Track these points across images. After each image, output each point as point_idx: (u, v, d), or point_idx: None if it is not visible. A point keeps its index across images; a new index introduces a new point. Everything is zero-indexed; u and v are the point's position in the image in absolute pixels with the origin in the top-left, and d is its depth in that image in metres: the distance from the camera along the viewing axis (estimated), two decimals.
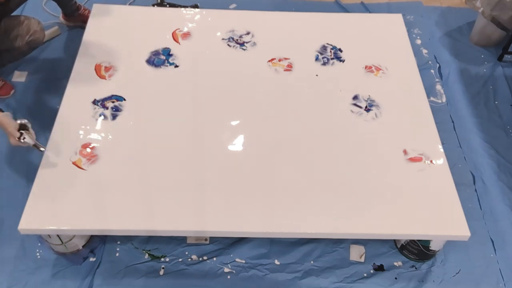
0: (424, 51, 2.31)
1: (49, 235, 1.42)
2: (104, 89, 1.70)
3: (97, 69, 1.76)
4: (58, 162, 1.49)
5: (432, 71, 2.23)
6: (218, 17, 2.02)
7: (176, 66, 1.80)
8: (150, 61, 1.81)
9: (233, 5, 2.46)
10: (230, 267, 1.58)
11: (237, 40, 1.91)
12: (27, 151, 1.82)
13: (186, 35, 1.92)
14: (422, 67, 2.20)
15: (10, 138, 1.43)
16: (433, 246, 1.54)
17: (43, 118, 1.90)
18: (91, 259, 1.57)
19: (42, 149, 1.47)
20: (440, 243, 1.54)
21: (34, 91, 2.03)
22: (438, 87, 2.17)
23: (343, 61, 1.87)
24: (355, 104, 1.72)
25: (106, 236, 1.62)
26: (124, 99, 1.68)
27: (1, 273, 1.53)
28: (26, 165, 1.77)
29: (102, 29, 1.91)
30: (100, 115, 1.62)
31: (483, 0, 2.19)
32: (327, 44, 1.93)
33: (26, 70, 2.10)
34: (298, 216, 1.43)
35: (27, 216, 1.37)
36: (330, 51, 1.90)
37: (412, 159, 1.57)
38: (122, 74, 1.76)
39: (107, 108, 1.64)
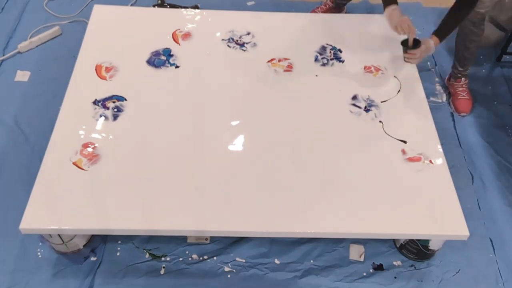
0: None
1: (50, 235, 1.43)
2: (104, 89, 1.71)
3: (98, 69, 1.77)
4: (59, 162, 1.50)
5: (432, 71, 2.24)
6: (218, 18, 2.03)
7: (177, 67, 1.81)
8: (150, 62, 1.82)
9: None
10: (230, 266, 1.59)
11: (237, 40, 1.92)
12: (28, 151, 1.82)
13: (187, 35, 1.93)
14: (422, 68, 2.20)
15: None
16: (432, 246, 1.55)
17: (44, 118, 1.91)
18: (92, 258, 1.58)
19: None
20: (439, 242, 1.54)
21: (36, 91, 2.04)
22: (438, 87, 2.18)
23: (343, 61, 1.88)
24: (354, 105, 1.73)
25: (107, 235, 1.62)
26: (125, 99, 1.68)
27: (2, 272, 1.54)
28: (27, 165, 1.78)
29: (103, 30, 1.92)
30: (100, 116, 1.63)
31: None
32: (327, 44, 1.94)
33: (28, 70, 2.11)
34: (298, 216, 1.43)
35: (28, 216, 1.38)
36: (330, 52, 1.91)
37: (411, 159, 1.57)
38: (123, 75, 1.76)
39: (107, 109, 1.65)
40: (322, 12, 2.38)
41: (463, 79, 2.11)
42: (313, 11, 2.40)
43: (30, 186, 1.44)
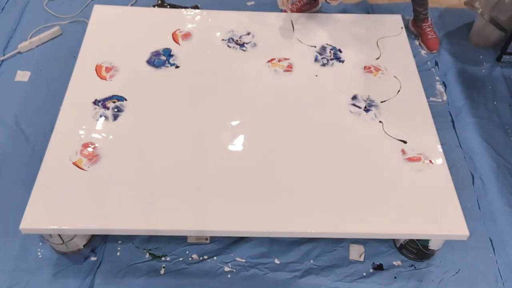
0: (423, 52, 2.32)
1: (50, 235, 1.43)
2: (104, 89, 1.71)
3: (98, 69, 1.77)
4: (59, 162, 1.50)
5: (431, 71, 2.24)
6: (218, 18, 2.03)
7: (177, 67, 1.81)
8: (150, 62, 1.82)
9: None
10: (230, 266, 1.59)
11: (237, 40, 1.92)
12: (28, 151, 1.82)
13: (187, 35, 1.93)
14: (421, 68, 2.20)
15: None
16: (432, 246, 1.55)
17: (44, 118, 1.91)
18: (92, 258, 1.58)
19: None
20: (439, 242, 1.55)
21: (36, 91, 2.04)
22: (438, 87, 2.18)
23: (343, 61, 1.88)
24: (354, 105, 1.73)
25: (107, 235, 1.62)
26: (125, 99, 1.68)
27: (2, 272, 1.54)
28: (27, 165, 1.78)
29: (103, 30, 1.92)
30: (100, 116, 1.63)
31: (482, 1, 2.20)
32: (327, 44, 1.94)
33: (28, 70, 2.11)
34: (298, 216, 1.44)
35: (28, 216, 1.38)
36: (330, 52, 1.91)
37: (411, 159, 1.57)
38: (123, 75, 1.77)
39: (108, 109, 1.65)
40: (297, 8, 2.38)
41: (429, 19, 2.30)
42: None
43: (30, 186, 1.44)
